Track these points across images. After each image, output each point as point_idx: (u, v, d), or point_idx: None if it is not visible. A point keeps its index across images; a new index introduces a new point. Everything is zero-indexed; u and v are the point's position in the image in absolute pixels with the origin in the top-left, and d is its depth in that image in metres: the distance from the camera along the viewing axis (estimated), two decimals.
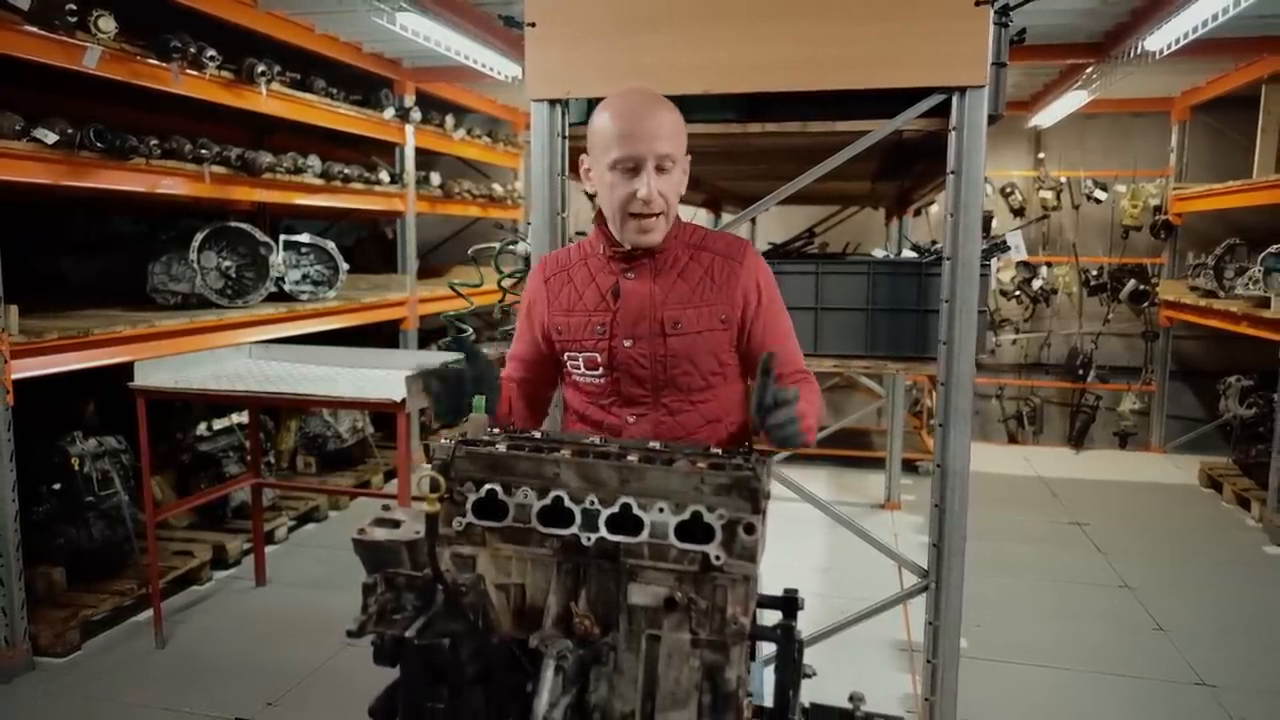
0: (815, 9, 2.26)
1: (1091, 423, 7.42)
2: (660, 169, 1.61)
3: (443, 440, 1.31)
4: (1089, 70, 5.24)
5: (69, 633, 3.40)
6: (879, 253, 3.29)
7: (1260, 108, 6.02)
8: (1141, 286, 7.27)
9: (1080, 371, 7.44)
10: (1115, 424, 7.41)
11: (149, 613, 3.57)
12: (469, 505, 1.29)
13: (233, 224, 4.45)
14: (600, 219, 1.73)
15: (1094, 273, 7.46)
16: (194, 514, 4.46)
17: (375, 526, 1.25)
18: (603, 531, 1.24)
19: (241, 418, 4.61)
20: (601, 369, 1.71)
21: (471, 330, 2.84)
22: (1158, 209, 7.19)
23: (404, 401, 3.16)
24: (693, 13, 2.32)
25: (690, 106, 2.47)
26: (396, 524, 1.25)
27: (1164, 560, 4.77)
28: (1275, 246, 5.51)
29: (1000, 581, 4.30)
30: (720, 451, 1.38)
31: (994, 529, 5.01)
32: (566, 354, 1.75)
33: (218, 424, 4.58)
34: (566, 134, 2.49)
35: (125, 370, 3.41)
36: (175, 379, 3.44)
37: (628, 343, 1.68)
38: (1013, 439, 7.67)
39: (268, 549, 4.38)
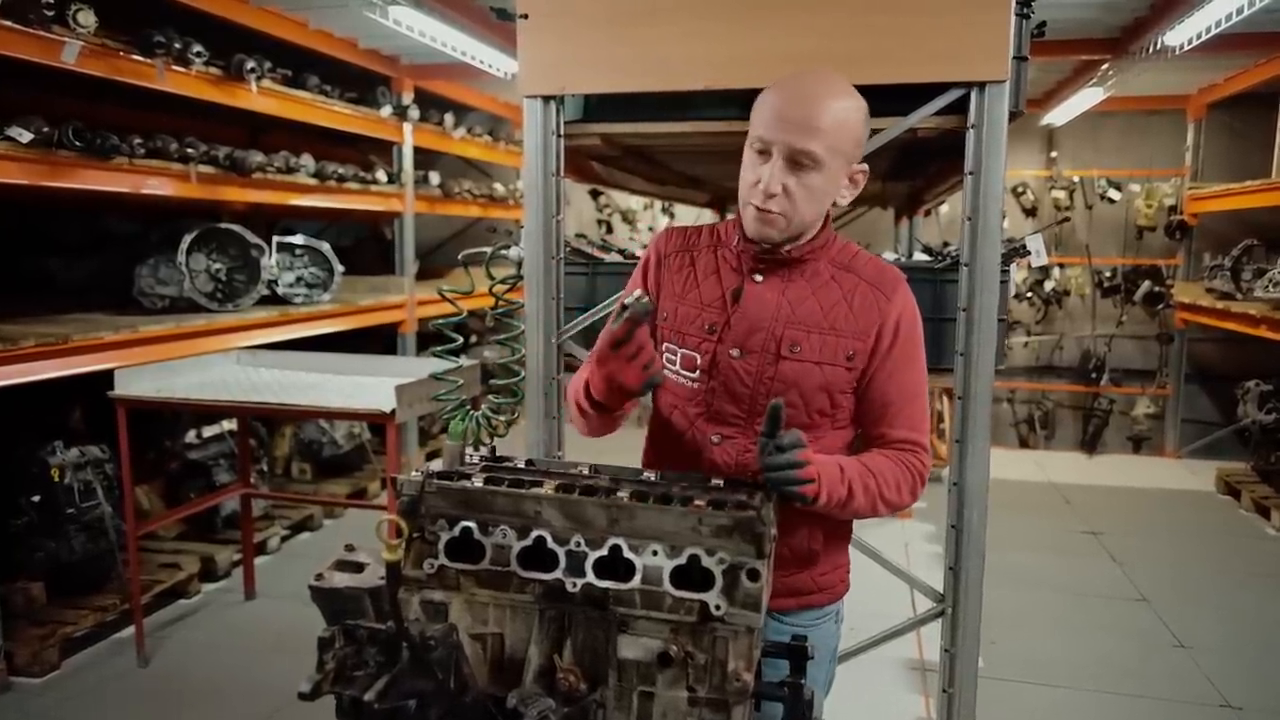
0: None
1: (1105, 427, 7.28)
2: (795, 165, 1.39)
3: (412, 473, 1.18)
4: (1105, 67, 5.09)
5: (47, 651, 3.27)
6: (889, 255, 3.15)
7: (1279, 105, 5.87)
8: (1156, 288, 7.13)
9: (1093, 375, 7.30)
10: (1129, 428, 7.26)
11: (132, 629, 3.45)
12: (441, 545, 1.17)
13: (223, 225, 4.33)
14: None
15: (1107, 274, 7.32)
16: (184, 524, 4.33)
17: (335, 570, 1.12)
18: (590, 576, 1.12)
19: (232, 425, 4.49)
20: (698, 373, 1.51)
21: (462, 339, 2.71)
22: (1173, 209, 7.05)
23: (394, 412, 3.04)
24: (694, 5, 2.19)
25: (691, 104, 2.36)
26: (359, 567, 1.13)
27: (1182, 571, 4.63)
28: None
29: (1014, 595, 4.16)
30: (721, 484, 1.25)
31: (1006, 538, 4.86)
32: (665, 344, 1.55)
33: (208, 431, 4.47)
34: (562, 132, 2.35)
35: (111, 376, 3.30)
36: (157, 387, 3.31)
37: (735, 353, 1.47)
38: (1024, 443, 7.53)
39: (260, 560, 4.26)
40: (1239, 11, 3.84)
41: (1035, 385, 7.55)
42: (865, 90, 2.16)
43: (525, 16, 2.25)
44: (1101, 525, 5.33)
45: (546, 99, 2.31)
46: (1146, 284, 7.14)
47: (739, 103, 2.32)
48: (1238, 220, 6.68)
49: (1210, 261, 6.50)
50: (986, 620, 2.31)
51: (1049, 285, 7.30)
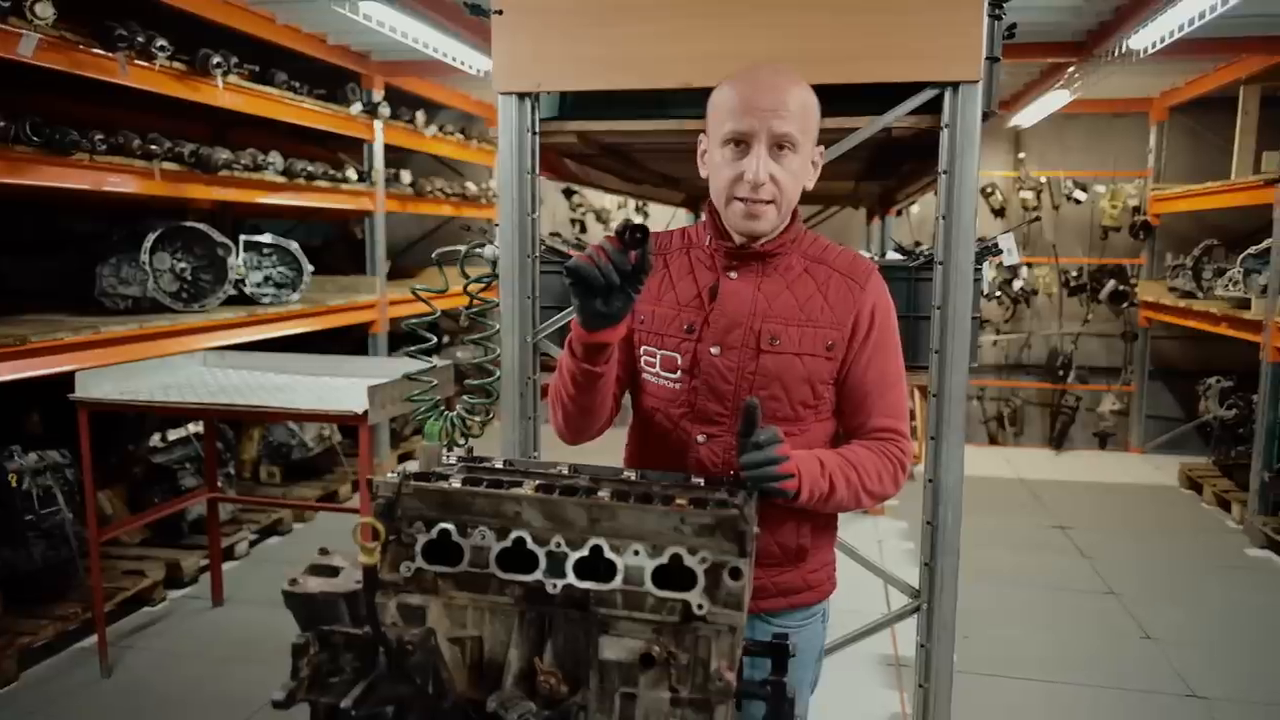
0: None
1: (1071, 423, 7.40)
2: (777, 150, 1.41)
3: (389, 475, 1.16)
4: (1071, 70, 5.17)
5: (4, 662, 3.17)
6: (863, 254, 3.17)
7: (1238, 109, 6.00)
8: (1121, 287, 7.25)
9: (1060, 372, 7.41)
10: (1095, 424, 7.39)
11: (94, 638, 3.36)
12: (418, 548, 1.14)
13: (188, 224, 4.25)
14: (711, 207, 1.52)
15: (1074, 273, 7.44)
16: (148, 530, 4.24)
17: (310, 575, 1.09)
18: (570, 577, 1.10)
19: (198, 427, 4.40)
20: (679, 373, 1.50)
21: (436, 339, 2.67)
22: (1136, 209, 7.17)
23: (366, 413, 2.99)
24: (672, 2, 2.18)
25: (668, 102, 2.35)
26: (335, 572, 1.10)
27: (1148, 565, 4.71)
28: (1255, 248, 5.49)
29: (986, 590, 4.20)
30: (702, 483, 1.24)
31: (977, 535, 4.89)
32: (644, 348, 1.55)
33: (173, 434, 4.38)
34: (538, 129, 2.33)
35: (72, 379, 3.21)
36: (121, 390, 3.23)
37: (714, 350, 1.47)
38: (993, 440, 7.63)
39: (227, 565, 4.18)
40: (1201, 16, 3.91)
41: (1004, 383, 7.65)
42: (842, 89, 2.18)
43: (500, 12, 2.23)
44: (1070, 520, 5.40)
45: (522, 96, 2.29)
46: (1111, 283, 7.26)
47: None
48: (1199, 220, 6.82)
49: (1172, 261, 6.63)
50: (960, 615, 2.33)
51: (1017, 284, 7.39)
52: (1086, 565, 4.67)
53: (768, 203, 1.43)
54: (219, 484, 4.05)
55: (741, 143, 1.41)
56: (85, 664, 3.37)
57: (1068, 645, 3.74)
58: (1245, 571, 4.67)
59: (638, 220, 1.28)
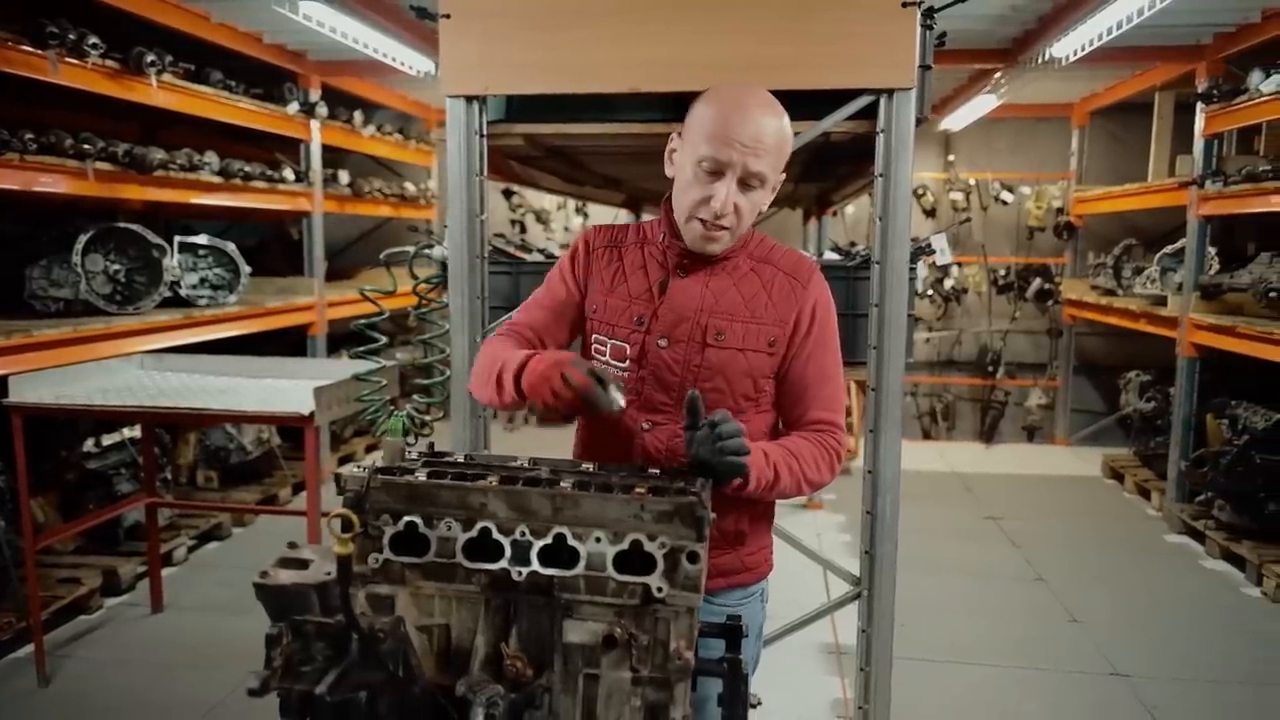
0: (744, 6, 2.19)
1: (1001, 418, 7.66)
2: (745, 184, 1.48)
3: (355, 469, 1.19)
4: (998, 75, 5.37)
5: None
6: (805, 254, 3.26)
7: (1154, 114, 6.31)
8: (1046, 285, 7.53)
9: (990, 368, 7.66)
10: (1023, 418, 7.66)
11: (31, 647, 3.27)
12: (386, 540, 1.18)
13: (121, 224, 4.15)
14: (669, 206, 1.59)
15: (1002, 272, 7.70)
16: (82, 537, 4.12)
17: (280, 568, 1.12)
18: (535, 565, 1.15)
19: (134, 432, 4.30)
20: (628, 363, 1.57)
21: (386, 339, 2.68)
22: (1060, 210, 7.46)
23: (313, 415, 2.98)
24: (619, 8, 2.23)
25: (614, 106, 2.40)
26: (304, 564, 1.12)
27: (1074, 552, 4.93)
28: (1170, 247, 5.78)
29: (921, 579, 4.34)
30: (659, 473, 1.30)
31: (912, 525, 5.04)
32: (595, 336, 1.62)
33: (107, 439, 4.26)
34: (485, 132, 2.36)
35: (3, 383, 3.11)
36: (57, 394, 3.15)
37: (662, 343, 1.55)
38: (927, 435, 7.85)
39: (166, 571, 4.09)
40: (1119, 25, 4.12)
41: (936, 379, 7.88)
42: (781, 95, 2.26)
43: (448, 16, 2.25)
44: (1000, 511, 5.62)
45: (469, 99, 2.32)
46: (1037, 281, 7.54)
47: (660, 106, 2.38)
48: (1119, 221, 7.14)
49: (1094, 260, 6.92)
50: (897, 604, 2.42)
51: (948, 283, 7.63)
52: (1017, 554, 4.87)
53: (726, 229, 1.50)
54: (156, 489, 3.96)
55: (717, 171, 1.47)
56: (22, 674, 3.27)
57: (999, 631, 3.90)
58: (1164, 557, 4.91)
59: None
